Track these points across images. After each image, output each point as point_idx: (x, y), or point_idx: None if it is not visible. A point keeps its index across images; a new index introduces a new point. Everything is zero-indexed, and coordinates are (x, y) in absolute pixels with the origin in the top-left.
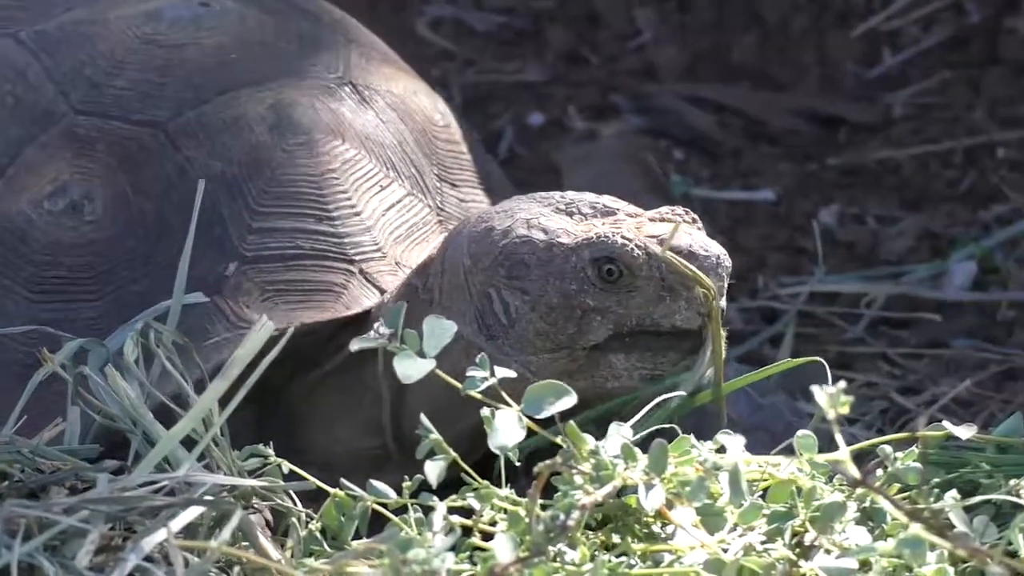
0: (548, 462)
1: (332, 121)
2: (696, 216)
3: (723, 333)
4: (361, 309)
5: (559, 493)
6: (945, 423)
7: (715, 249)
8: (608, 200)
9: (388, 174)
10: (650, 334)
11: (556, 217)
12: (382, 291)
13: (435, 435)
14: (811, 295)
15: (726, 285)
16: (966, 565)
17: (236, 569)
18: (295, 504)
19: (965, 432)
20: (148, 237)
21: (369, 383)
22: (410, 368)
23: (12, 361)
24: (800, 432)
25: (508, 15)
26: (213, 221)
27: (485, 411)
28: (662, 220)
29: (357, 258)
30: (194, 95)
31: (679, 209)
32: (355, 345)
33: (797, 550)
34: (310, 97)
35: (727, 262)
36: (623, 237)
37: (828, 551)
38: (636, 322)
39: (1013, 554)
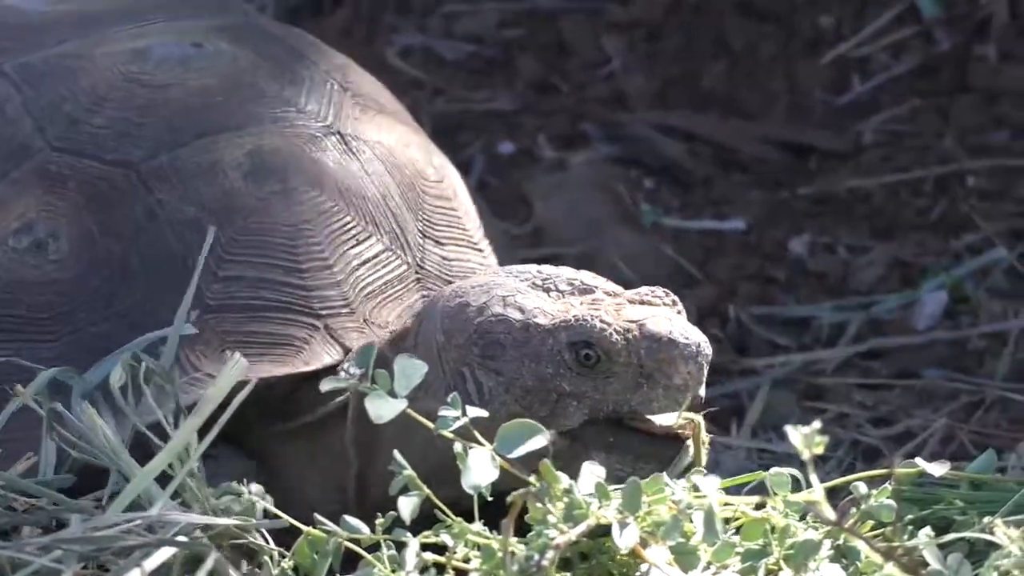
0: (522, 491)
1: (312, 171)
2: (676, 299)
3: (702, 422)
4: (321, 365)
5: (533, 532)
6: (918, 460)
7: (695, 337)
8: (587, 277)
9: (366, 228)
10: (635, 434)
11: (533, 295)
12: (346, 349)
13: (408, 471)
14: (782, 324)
15: (705, 373)
16: None
17: None
18: (268, 542)
19: (938, 469)
20: (112, 279)
21: (335, 445)
22: (382, 408)
23: None
24: (773, 470)
25: (478, 44)
26: (179, 266)
27: (458, 447)
28: (641, 302)
29: (323, 312)
30: (172, 137)
31: (659, 291)
32: (326, 385)
33: None
34: (291, 145)
35: (707, 350)
36: (602, 321)
37: None
38: (613, 408)
39: None
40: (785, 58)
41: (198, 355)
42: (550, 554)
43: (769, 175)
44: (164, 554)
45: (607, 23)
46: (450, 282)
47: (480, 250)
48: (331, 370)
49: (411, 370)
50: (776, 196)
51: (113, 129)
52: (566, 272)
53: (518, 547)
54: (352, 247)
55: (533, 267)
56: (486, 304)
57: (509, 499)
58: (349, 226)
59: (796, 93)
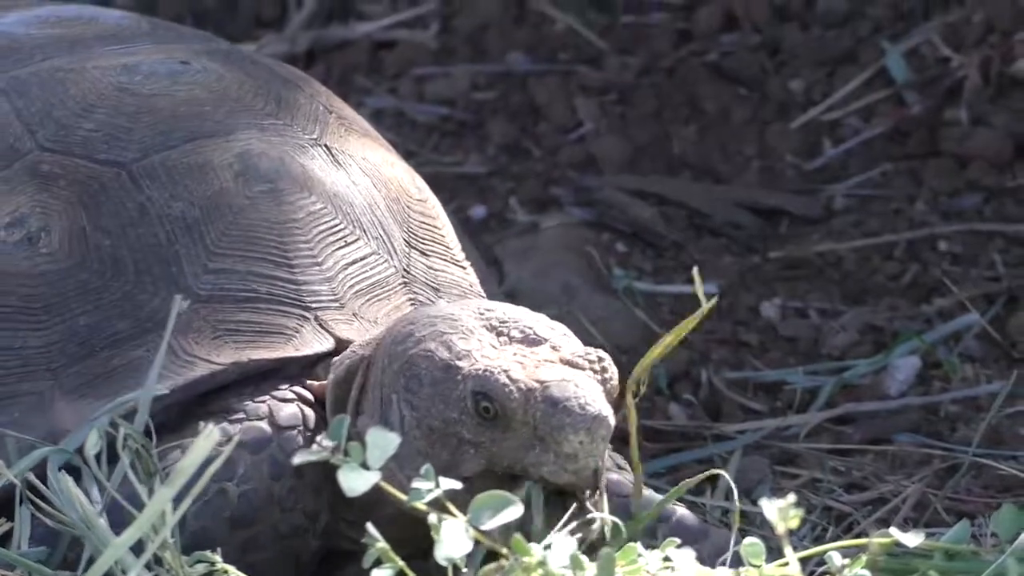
0: (494, 566)
1: (300, 175)
2: (608, 365)
3: (602, 493)
4: (311, 352)
5: None
6: (893, 530)
7: (595, 408)
8: (542, 328)
9: (354, 231)
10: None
11: (477, 335)
12: (337, 339)
13: (381, 543)
14: (754, 389)
15: (602, 447)
16: None
17: None
18: None
19: (912, 539)
20: (103, 272)
21: None
22: (354, 481)
23: None
24: (747, 540)
25: (450, 107)
26: (169, 259)
27: (432, 519)
28: (571, 364)
29: (313, 305)
30: (162, 141)
31: (598, 354)
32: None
33: None
34: (280, 151)
35: (605, 425)
36: (508, 377)
37: None
38: (508, 463)
39: None
40: (757, 122)
41: (191, 341)
42: None
43: (741, 239)
44: None
45: (579, 86)
46: (436, 289)
47: (463, 267)
48: (323, 358)
49: (383, 442)
50: (747, 260)
51: (103, 132)
52: (526, 319)
53: None
54: (340, 248)
55: (501, 307)
56: (424, 337)
57: (482, 573)
58: (337, 228)
59: (767, 157)
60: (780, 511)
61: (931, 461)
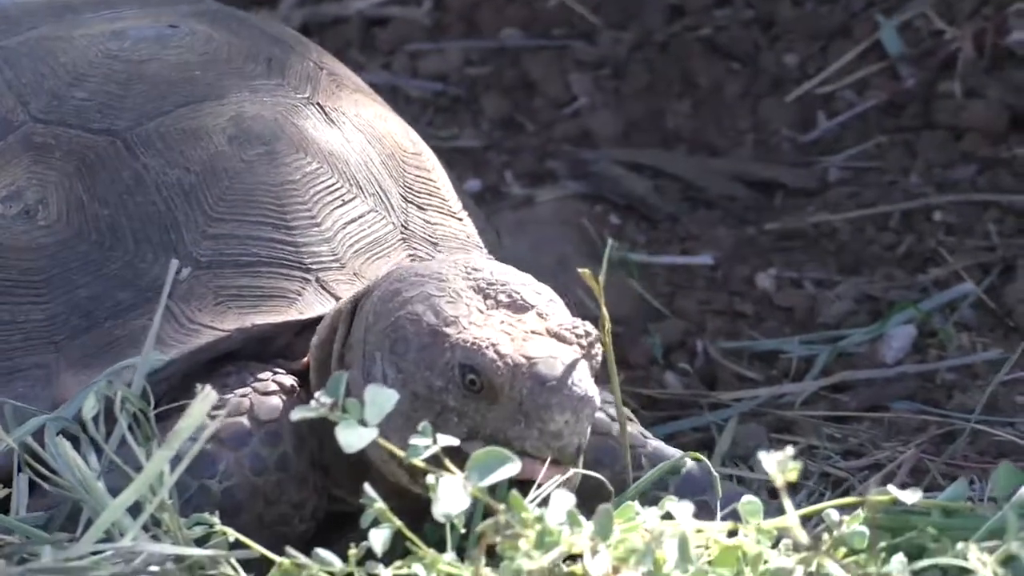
0: (490, 520)
1: (295, 135)
2: (595, 340)
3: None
4: (315, 315)
5: (505, 561)
6: (890, 487)
7: (582, 388)
8: (529, 293)
9: (351, 190)
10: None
11: (464, 299)
12: (338, 299)
13: (379, 504)
14: (750, 359)
15: (587, 425)
16: None
17: None
18: (239, 572)
19: (910, 497)
20: (102, 243)
21: None
22: (351, 437)
23: None
24: (745, 498)
25: (443, 82)
26: (167, 226)
27: (430, 478)
28: (557, 336)
29: (314, 267)
30: (154, 107)
31: (585, 328)
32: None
33: None
34: (273, 112)
35: (591, 405)
36: (496, 352)
37: None
38: (491, 434)
39: None
40: (751, 96)
41: (193, 309)
42: None
43: (735, 211)
44: None
45: (573, 61)
46: (435, 243)
47: (459, 219)
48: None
49: (381, 398)
50: (743, 232)
51: (96, 101)
52: (514, 282)
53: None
54: (338, 207)
55: (490, 266)
56: (411, 299)
57: (478, 529)
58: (334, 187)
59: (762, 130)
60: (779, 464)
61: (927, 428)
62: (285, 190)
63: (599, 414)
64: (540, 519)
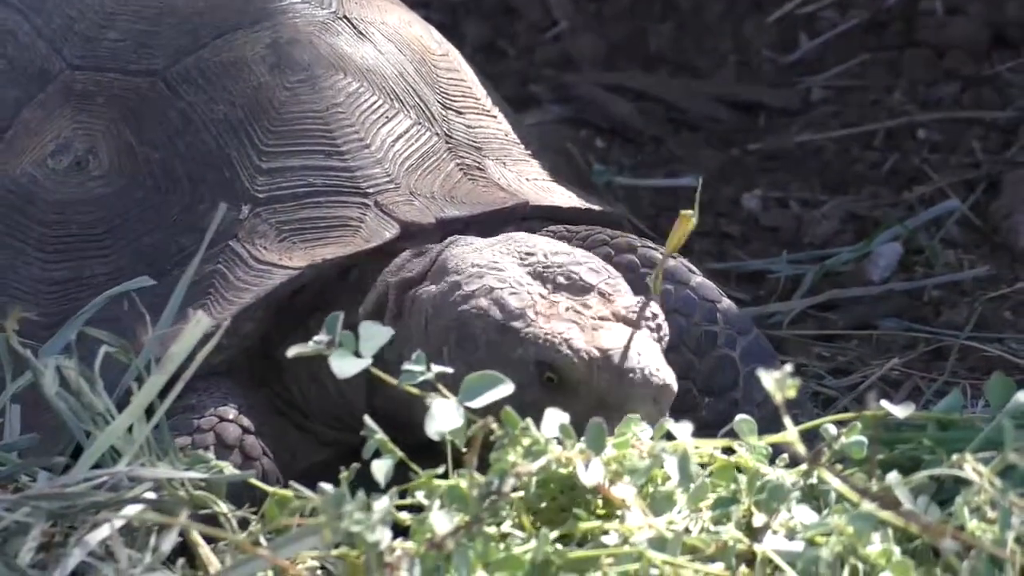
0: (482, 422)
1: (331, 56)
2: (663, 322)
3: None
4: (382, 242)
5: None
6: (884, 402)
7: (659, 379)
8: (587, 272)
9: (393, 105)
10: None
11: (525, 290)
12: (400, 223)
13: (380, 435)
14: (737, 279)
15: (666, 410)
16: (913, 544)
17: (180, 562)
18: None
19: (903, 411)
20: (157, 188)
21: None
22: (345, 365)
23: None
24: (739, 416)
25: (424, 8)
26: (221, 164)
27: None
28: (625, 320)
29: (371, 191)
30: (190, 41)
31: (652, 311)
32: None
33: (746, 531)
34: (307, 34)
35: (670, 392)
36: (570, 347)
37: (775, 532)
38: (574, 422)
39: (960, 528)
40: (732, 17)
41: (259, 248)
42: (510, 481)
43: (719, 133)
44: (134, 510)
45: None
46: (478, 148)
47: (494, 116)
48: (391, 245)
49: (375, 333)
50: (727, 153)
51: (130, 40)
52: (574, 259)
53: (479, 479)
54: (383, 124)
55: (541, 244)
56: (473, 292)
57: (469, 432)
58: (377, 105)
59: (744, 52)
60: (777, 381)
61: (916, 345)
62: (331, 115)
63: (678, 264)
64: (527, 428)
